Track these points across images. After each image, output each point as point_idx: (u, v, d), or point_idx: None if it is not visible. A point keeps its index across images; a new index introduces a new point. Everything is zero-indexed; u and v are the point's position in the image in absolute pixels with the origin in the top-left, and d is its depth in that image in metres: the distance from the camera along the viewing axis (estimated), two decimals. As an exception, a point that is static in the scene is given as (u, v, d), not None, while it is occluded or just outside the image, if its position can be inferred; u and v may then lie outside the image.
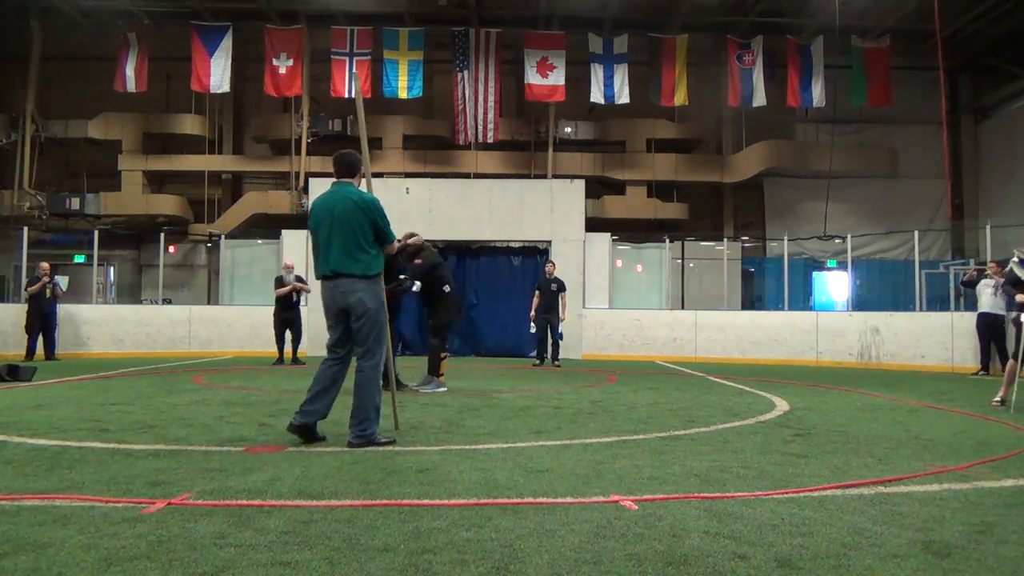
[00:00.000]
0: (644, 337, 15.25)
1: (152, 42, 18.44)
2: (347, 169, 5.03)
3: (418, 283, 8.01)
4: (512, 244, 15.74)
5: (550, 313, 12.58)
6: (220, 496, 3.41)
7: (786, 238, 16.22)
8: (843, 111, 18.75)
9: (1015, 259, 10.27)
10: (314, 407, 4.79)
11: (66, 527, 2.91)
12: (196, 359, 13.67)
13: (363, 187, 5.16)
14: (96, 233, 15.86)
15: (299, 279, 12.73)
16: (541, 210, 15.54)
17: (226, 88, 18.31)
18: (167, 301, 17.54)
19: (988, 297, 11.63)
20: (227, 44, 18.13)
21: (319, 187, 14.84)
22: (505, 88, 19.32)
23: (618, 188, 19.86)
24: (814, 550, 2.75)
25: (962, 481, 3.92)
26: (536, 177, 18.77)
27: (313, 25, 18.85)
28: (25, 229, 15.60)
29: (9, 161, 19.22)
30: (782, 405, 7.25)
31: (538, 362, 12.87)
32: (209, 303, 18.18)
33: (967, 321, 12.38)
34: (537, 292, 12.76)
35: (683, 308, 16.18)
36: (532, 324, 12.94)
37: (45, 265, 13.34)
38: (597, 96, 18.34)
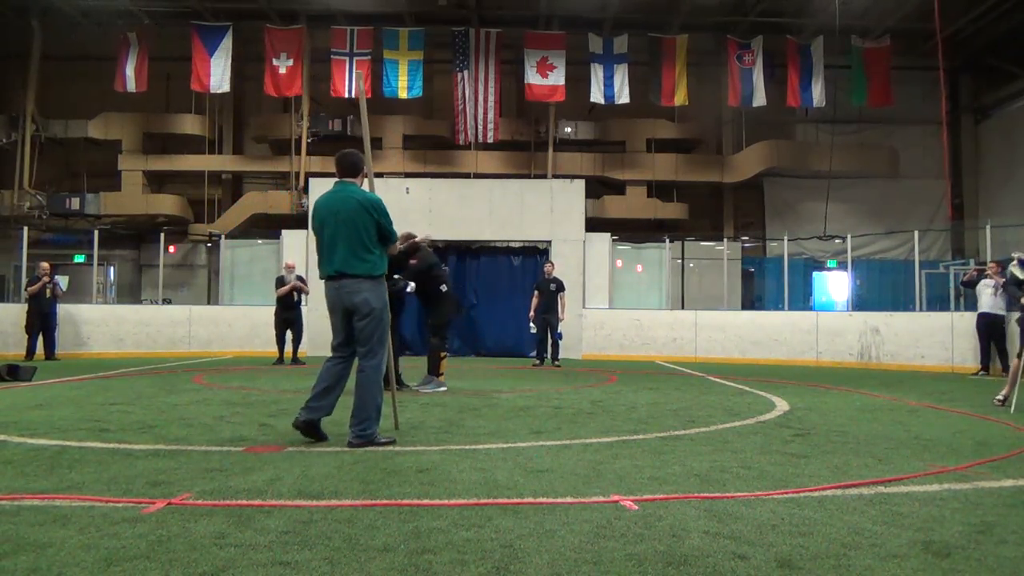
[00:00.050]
0: (644, 337, 15.25)
1: (152, 42, 18.44)
2: (350, 169, 5.03)
3: (412, 284, 8.00)
4: (512, 244, 15.75)
5: (549, 313, 12.59)
6: (220, 496, 3.41)
7: (786, 238, 16.22)
8: (843, 111, 18.75)
9: (1015, 263, 10.28)
10: (319, 404, 4.80)
11: (66, 527, 2.91)
12: (196, 359, 13.67)
13: (365, 186, 5.15)
14: (96, 233, 15.86)
15: (300, 279, 12.73)
16: (541, 210, 15.54)
17: (226, 88, 18.31)
18: (167, 301, 17.54)
19: (988, 297, 11.64)
20: (227, 44, 18.13)
21: (319, 187, 14.86)
22: (505, 88, 19.32)
23: (618, 188, 19.86)
24: (814, 550, 2.75)
25: (962, 481, 3.92)
26: (536, 177, 18.77)
27: (313, 25, 18.85)
28: (25, 229, 15.60)
29: (9, 161, 19.22)
30: (782, 405, 7.25)
31: (538, 362, 12.88)
32: (209, 303, 18.18)
33: (967, 321, 12.38)
34: (536, 292, 12.76)
35: (683, 308, 16.18)
36: (532, 325, 12.95)
37: (45, 265, 13.34)
38: (597, 96, 18.34)
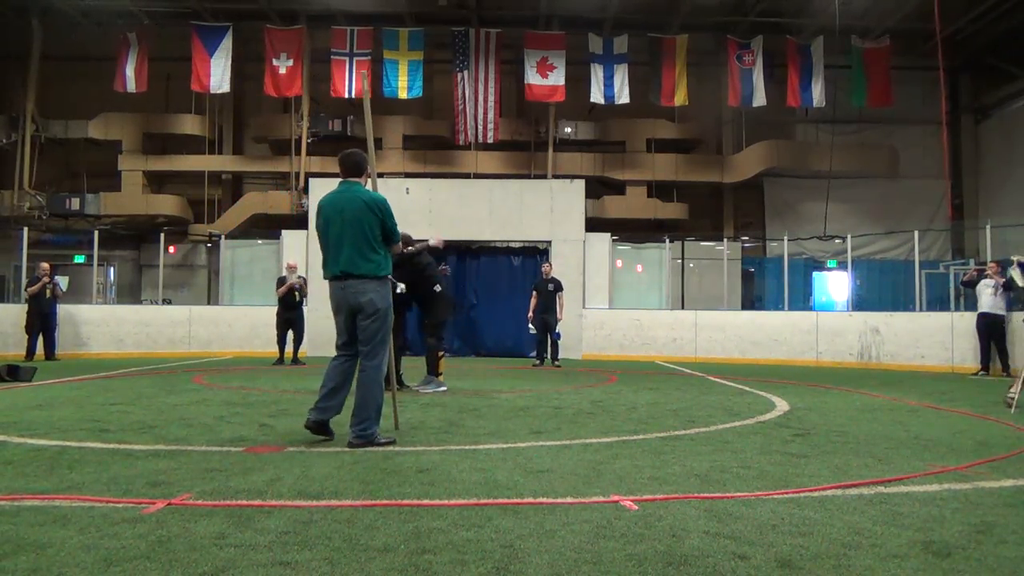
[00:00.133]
0: (644, 337, 15.25)
1: (152, 42, 18.45)
2: (354, 168, 5.03)
3: (402, 285, 7.99)
4: (512, 244, 15.75)
5: (548, 313, 12.59)
6: (220, 496, 3.41)
7: (786, 238, 16.22)
8: (843, 111, 18.74)
9: (1015, 266, 10.29)
10: (328, 404, 4.83)
11: (66, 527, 2.91)
12: (196, 359, 13.67)
13: (369, 186, 5.15)
14: (96, 233, 15.87)
15: (302, 279, 12.72)
16: (541, 210, 15.55)
17: (226, 88, 18.31)
18: (167, 301, 17.54)
19: (988, 297, 11.64)
20: (227, 44, 18.13)
21: (319, 187, 14.89)
22: (505, 88, 19.32)
23: (618, 188, 19.86)
24: (814, 550, 2.75)
25: (962, 481, 3.92)
26: (536, 177, 18.77)
27: (313, 25, 18.85)
28: (25, 229, 15.61)
29: (9, 161, 19.22)
30: (782, 405, 7.25)
31: (538, 362, 12.88)
32: (209, 303, 18.18)
33: (967, 321, 12.38)
34: (534, 292, 12.77)
35: (683, 308, 16.18)
36: (531, 326, 12.95)
37: (45, 265, 13.34)
38: (597, 96, 18.34)
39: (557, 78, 18.39)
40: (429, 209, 15.32)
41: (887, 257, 19.21)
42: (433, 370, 8.42)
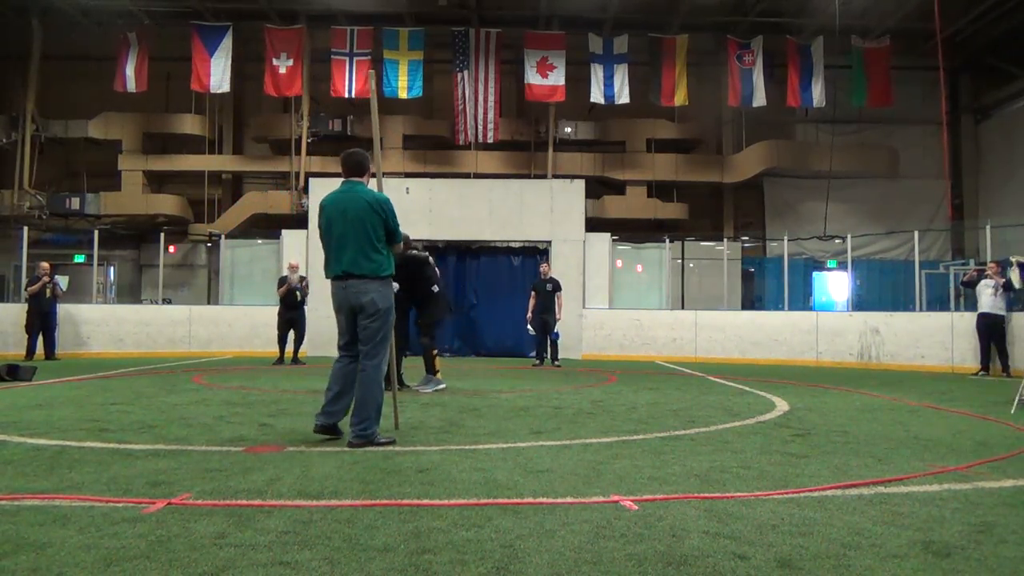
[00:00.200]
0: (644, 337, 15.25)
1: (152, 42, 18.45)
2: (356, 168, 5.02)
3: (395, 284, 7.99)
4: (512, 244, 15.74)
5: (547, 313, 12.59)
6: (220, 496, 3.41)
7: (786, 238, 16.22)
8: (843, 111, 18.75)
9: (1014, 266, 10.29)
10: (335, 408, 4.87)
11: (66, 527, 2.91)
12: (196, 359, 13.67)
13: (372, 185, 5.14)
14: (96, 233, 15.86)
15: (303, 279, 12.72)
16: (541, 210, 15.55)
17: (226, 88, 18.32)
18: (167, 301, 17.54)
19: (988, 297, 11.64)
20: (227, 44, 18.14)
21: (319, 187, 14.89)
22: (505, 88, 19.33)
23: (618, 188, 19.87)
24: (814, 550, 2.75)
25: (962, 481, 3.92)
26: (536, 177, 18.77)
27: (313, 25, 18.86)
28: (25, 229, 15.61)
29: (9, 161, 19.23)
30: (782, 405, 7.25)
31: (538, 362, 12.88)
32: (209, 303, 18.18)
33: (967, 321, 12.38)
34: (533, 293, 12.77)
35: (683, 308, 16.18)
36: (529, 327, 12.95)
37: (45, 265, 13.34)
38: (597, 96, 18.35)
39: (557, 78, 18.40)
40: (429, 209, 15.32)
41: (887, 257, 19.22)
42: (431, 369, 8.43)
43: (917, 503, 3.45)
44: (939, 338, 12.85)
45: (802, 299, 18.05)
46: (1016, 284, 10.99)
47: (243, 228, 18.92)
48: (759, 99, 18.35)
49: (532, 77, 18.42)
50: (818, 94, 18.38)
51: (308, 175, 17.98)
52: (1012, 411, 6.86)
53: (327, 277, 4.96)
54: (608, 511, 3.24)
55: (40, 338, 13.08)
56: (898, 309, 15.22)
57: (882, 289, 17.99)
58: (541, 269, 13.22)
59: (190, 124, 19.43)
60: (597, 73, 18.30)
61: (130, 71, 18.17)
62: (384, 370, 4.91)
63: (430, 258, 8.75)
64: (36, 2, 18.10)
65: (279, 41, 18.36)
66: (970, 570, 2.57)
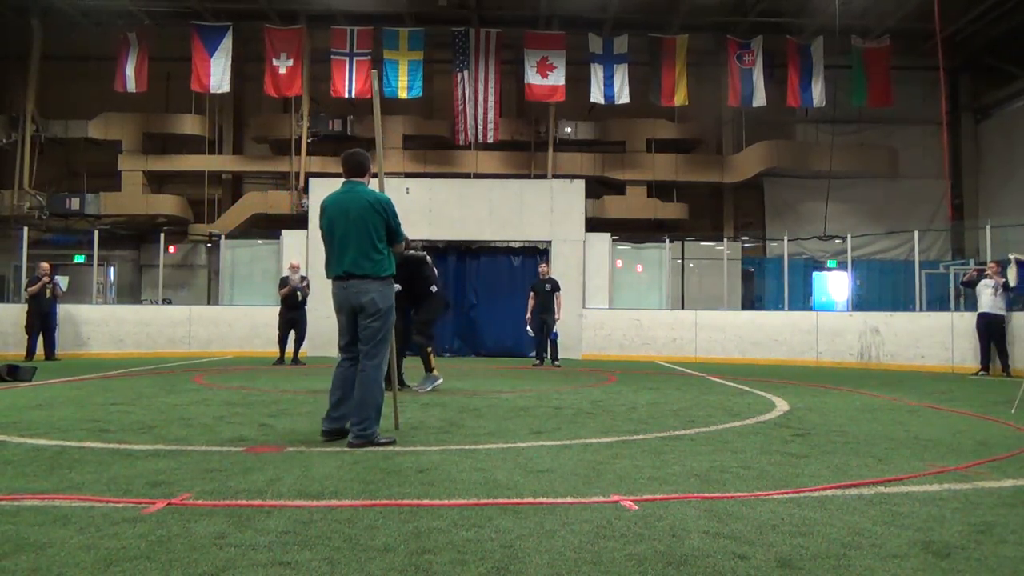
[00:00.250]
0: (644, 337, 15.25)
1: (152, 42, 18.45)
2: (356, 168, 5.03)
3: (397, 285, 8.00)
4: (512, 244, 15.75)
5: (546, 313, 12.60)
6: (220, 496, 3.41)
7: (786, 238, 16.23)
8: (843, 111, 18.75)
9: (1012, 264, 10.29)
10: (340, 413, 4.88)
11: (66, 527, 2.91)
12: (196, 359, 13.67)
13: (373, 185, 5.14)
14: (96, 233, 15.87)
15: (304, 279, 12.72)
16: (541, 210, 15.55)
17: (226, 88, 18.32)
18: (167, 301, 17.54)
19: (988, 297, 11.65)
20: (227, 44, 18.14)
21: (319, 187, 14.90)
22: (505, 88, 19.33)
23: (618, 188, 19.87)
24: (814, 550, 2.75)
25: (962, 481, 3.92)
26: (536, 177, 18.77)
27: (313, 25, 18.86)
28: (25, 229, 15.61)
29: (9, 161, 19.23)
30: (782, 405, 7.25)
31: (538, 362, 12.88)
32: (209, 303, 18.19)
33: (967, 321, 12.38)
34: (532, 293, 12.77)
35: (683, 308, 16.18)
36: (528, 328, 12.95)
37: (45, 265, 13.34)
38: (597, 96, 18.35)
39: (557, 78, 18.40)
40: (429, 209, 15.32)
41: (887, 257, 19.22)
42: (428, 367, 8.48)
43: (917, 503, 3.45)
44: (939, 338, 12.85)
45: (802, 299, 18.05)
46: (1011, 282, 10.99)
47: (243, 228, 18.92)
48: (759, 99, 18.35)
49: (532, 77, 18.42)
50: (818, 94, 18.38)
51: (308, 175, 17.98)
52: (1013, 411, 6.86)
53: (328, 277, 4.96)
54: (608, 511, 3.24)
55: (40, 338, 13.08)
56: (898, 309, 15.23)
57: (882, 289, 17.99)
58: (540, 269, 13.23)
59: (190, 124, 19.43)
60: (597, 73, 18.30)
61: (130, 71, 18.18)
62: (384, 370, 4.91)
63: (428, 257, 8.78)
64: (36, 2, 18.10)
65: (279, 41, 18.37)
66: (970, 570, 2.57)
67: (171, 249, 18.66)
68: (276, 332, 12.64)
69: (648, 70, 18.66)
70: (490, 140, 18.65)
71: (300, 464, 4.15)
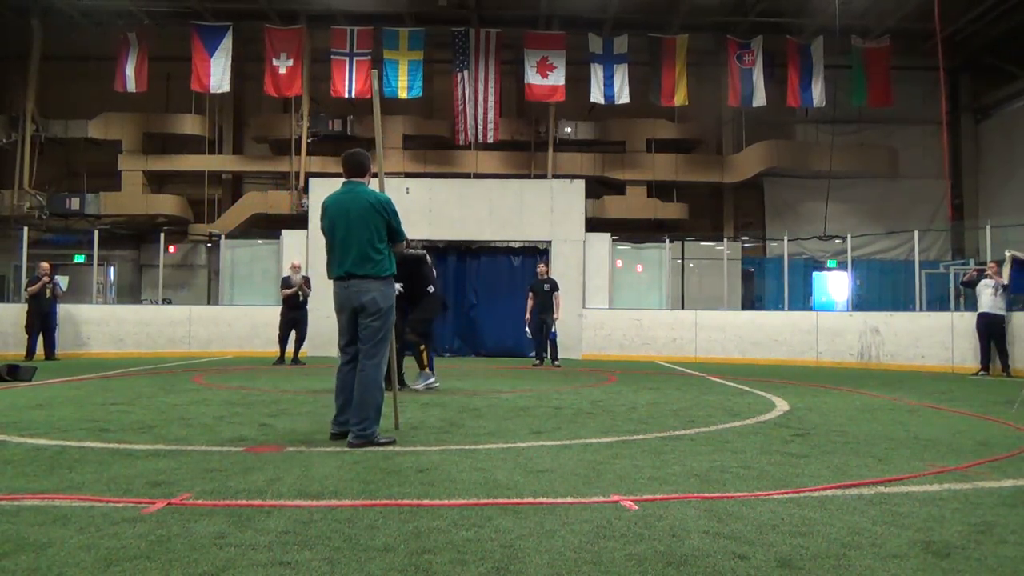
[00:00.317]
0: (644, 337, 15.25)
1: (152, 42, 18.46)
2: (357, 169, 5.04)
3: (399, 284, 8.03)
4: (512, 244, 15.75)
5: (545, 313, 12.60)
6: (220, 496, 3.41)
7: (786, 238, 16.22)
8: (843, 111, 18.76)
9: (1008, 260, 10.29)
10: (346, 416, 4.89)
11: (66, 527, 2.91)
12: (196, 359, 13.67)
13: (373, 185, 5.15)
14: (96, 233, 15.87)
15: (306, 279, 12.72)
16: (541, 210, 15.55)
17: (226, 88, 18.32)
18: (167, 301, 17.54)
19: (988, 297, 11.64)
20: (227, 44, 18.14)
21: (319, 187, 14.89)
22: (505, 88, 19.33)
23: (618, 188, 19.87)
24: (814, 550, 2.75)
25: (962, 481, 3.92)
26: (536, 177, 18.78)
27: (313, 25, 18.86)
28: (25, 229, 15.61)
29: (9, 161, 19.23)
30: (782, 405, 7.25)
31: (538, 362, 12.88)
32: (209, 303, 18.19)
33: (967, 321, 12.38)
34: (531, 294, 12.77)
35: (683, 308, 16.18)
36: (527, 329, 12.95)
37: (45, 265, 13.34)
38: (597, 96, 18.35)
39: (557, 78, 18.40)
40: (429, 209, 15.32)
41: (887, 257, 19.22)
42: (422, 365, 8.53)
43: (917, 503, 3.45)
44: (939, 338, 12.85)
45: (802, 299, 18.05)
46: (1004, 279, 11.01)
47: (243, 228, 18.92)
48: (759, 99, 18.35)
49: (532, 77, 18.42)
50: (818, 94, 18.38)
51: (308, 175, 17.98)
52: (1013, 411, 6.86)
53: (330, 278, 4.97)
54: (608, 511, 3.24)
55: (40, 338, 13.08)
56: (898, 309, 15.22)
57: (882, 289, 17.99)
58: (538, 269, 13.23)
59: (190, 124, 19.43)
60: (597, 73, 18.30)
61: (130, 71, 18.18)
62: (384, 370, 4.92)
63: (427, 256, 8.80)
64: (36, 2, 18.10)
65: (279, 41, 18.37)
66: (970, 570, 2.57)
67: (171, 249, 18.66)
68: (276, 332, 12.64)
69: (648, 70, 18.66)
70: (490, 140, 18.65)
71: (300, 464, 4.15)
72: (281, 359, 12.47)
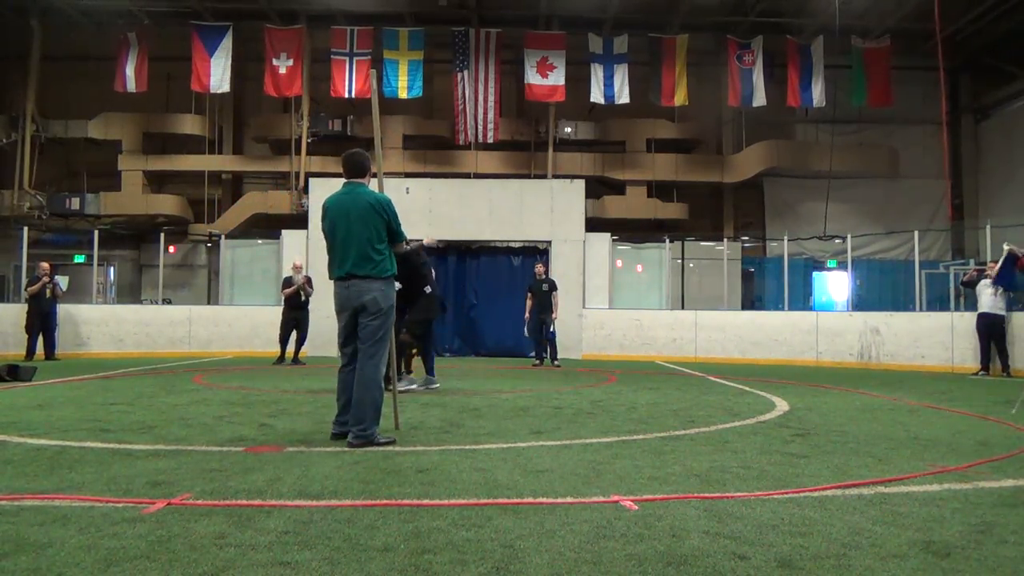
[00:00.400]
0: (644, 337, 15.25)
1: (152, 42, 18.45)
2: (357, 169, 5.05)
3: (398, 284, 8.03)
4: (512, 244, 15.75)
5: (544, 313, 12.61)
6: (220, 496, 3.41)
7: (786, 238, 16.22)
8: (843, 111, 18.75)
9: (1005, 254, 10.30)
10: (347, 416, 4.90)
11: (66, 527, 2.91)
12: (196, 359, 13.67)
13: (373, 186, 5.15)
14: (96, 233, 15.87)
15: (307, 279, 12.72)
16: (541, 210, 15.55)
17: (226, 88, 18.31)
18: (167, 301, 17.54)
19: (988, 297, 11.65)
20: (227, 44, 18.13)
21: (319, 187, 14.90)
22: (505, 88, 19.32)
23: (618, 188, 19.87)
24: (814, 550, 2.75)
25: (962, 481, 3.92)
26: (536, 177, 18.77)
27: (313, 25, 18.85)
28: (25, 229, 15.61)
29: (9, 161, 19.22)
30: (782, 405, 7.25)
31: (538, 362, 12.89)
32: (209, 303, 18.18)
33: (967, 321, 12.38)
34: (529, 294, 12.78)
35: (683, 308, 16.18)
36: (525, 330, 12.95)
37: (45, 265, 13.34)
38: (597, 96, 18.34)
39: (557, 78, 18.39)
40: (429, 209, 15.32)
41: (887, 257, 19.22)
42: (407, 367, 8.52)
43: (917, 503, 3.45)
44: (939, 338, 12.85)
45: (802, 299, 18.05)
46: (992, 273, 11.03)
47: (243, 228, 18.92)
48: (759, 99, 18.35)
49: (532, 77, 18.41)
50: (818, 94, 18.38)
51: (308, 175, 17.98)
52: (1013, 411, 6.86)
53: (331, 278, 4.98)
54: (608, 511, 3.24)
55: (40, 338, 13.08)
56: (898, 309, 15.22)
57: (882, 289, 17.99)
58: (536, 269, 13.23)
59: (190, 124, 19.43)
60: (597, 73, 18.30)
61: (130, 71, 18.17)
62: (383, 370, 4.92)
63: (424, 254, 8.78)
64: (36, 2, 18.10)
65: (279, 41, 18.36)
66: (970, 570, 2.57)
67: (171, 249, 18.66)
68: (276, 332, 12.63)
69: (648, 70, 18.66)
70: (490, 140, 18.65)
71: (300, 464, 4.15)
72: (281, 358, 12.46)
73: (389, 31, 18.31)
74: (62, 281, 14.08)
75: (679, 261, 17.05)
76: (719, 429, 5.65)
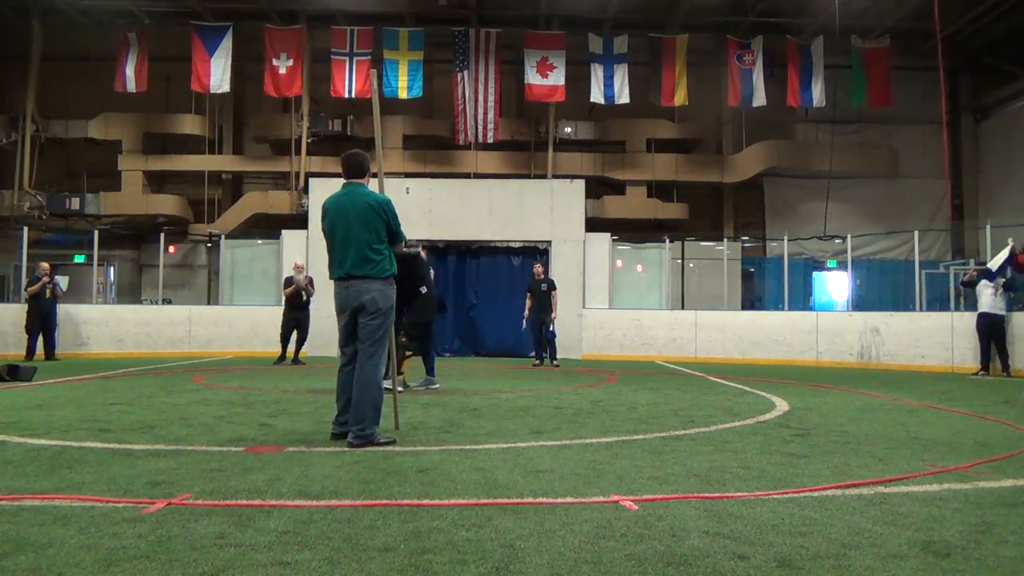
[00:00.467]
0: (644, 337, 15.25)
1: (152, 42, 18.44)
2: (356, 170, 5.05)
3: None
4: (512, 244, 15.75)
5: (544, 313, 12.61)
6: (220, 496, 3.41)
7: (786, 238, 16.22)
8: (843, 111, 18.76)
9: (1006, 249, 10.31)
10: (347, 416, 4.91)
11: (66, 527, 2.91)
12: (196, 359, 13.67)
13: (373, 186, 5.15)
14: (96, 233, 15.87)
15: (309, 279, 12.72)
16: (541, 210, 15.55)
17: (226, 88, 18.31)
18: (167, 301, 17.54)
19: (988, 297, 11.65)
20: (227, 44, 18.13)
21: (319, 187, 14.90)
22: (505, 88, 19.32)
23: (618, 188, 19.86)
24: (814, 550, 2.75)
25: (962, 481, 3.92)
26: (536, 177, 18.77)
27: (313, 25, 18.85)
28: (25, 229, 15.61)
29: (9, 161, 19.22)
30: (782, 405, 7.26)
31: (538, 362, 12.89)
32: (209, 303, 18.18)
33: (967, 321, 12.38)
34: (529, 294, 12.78)
35: (683, 308, 16.18)
36: (524, 322, 12.96)
37: (45, 265, 13.34)
38: (597, 96, 18.34)
39: (557, 78, 18.39)
40: (429, 209, 15.32)
41: (887, 257, 19.22)
42: (430, 370, 8.50)
43: (917, 503, 3.45)
44: (939, 338, 12.85)
45: (802, 299, 18.05)
46: (993, 266, 11.03)
47: (243, 228, 18.92)
48: (759, 99, 18.34)
49: (532, 77, 18.41)
50: (818, 94, 18.37)
51: (308, 175, 17.98)
52: (1013, 409, 6.86)
53: (331, 279, 4.99)
54: (608, 511, 3.24)
55: (40, 338, 13.08)
56: (898, 309, 15.22)
57: (882, 289, 17.98)
58: (535, 270, 13.23)
59: (190, 124, 19.42)
60: (597, 73, 18.30)
61: (130, 71, 18.17)
62: (383, 370, 4.92)
63: (421, 253, 8.77)
64: (36, 2, 18.10)
65: (279, 41, 18.36)
66: (970, 570, 2.57)
67: (171, 249, 18.66)
68: (276, 332, 12.64)
69: (648, 70, 18.66)
70: (490, 140, 18.64)
71: (300, 464, 4.15)
72: (282, 358, 12.47)
73: (389, 31, 18.31)
74: (62, 281, 14.08)
75: (679, 261, 17.05)
76: (719, 429, 5.65)
